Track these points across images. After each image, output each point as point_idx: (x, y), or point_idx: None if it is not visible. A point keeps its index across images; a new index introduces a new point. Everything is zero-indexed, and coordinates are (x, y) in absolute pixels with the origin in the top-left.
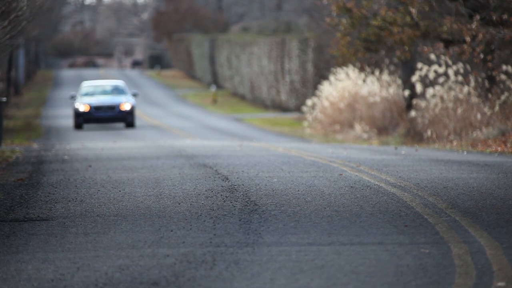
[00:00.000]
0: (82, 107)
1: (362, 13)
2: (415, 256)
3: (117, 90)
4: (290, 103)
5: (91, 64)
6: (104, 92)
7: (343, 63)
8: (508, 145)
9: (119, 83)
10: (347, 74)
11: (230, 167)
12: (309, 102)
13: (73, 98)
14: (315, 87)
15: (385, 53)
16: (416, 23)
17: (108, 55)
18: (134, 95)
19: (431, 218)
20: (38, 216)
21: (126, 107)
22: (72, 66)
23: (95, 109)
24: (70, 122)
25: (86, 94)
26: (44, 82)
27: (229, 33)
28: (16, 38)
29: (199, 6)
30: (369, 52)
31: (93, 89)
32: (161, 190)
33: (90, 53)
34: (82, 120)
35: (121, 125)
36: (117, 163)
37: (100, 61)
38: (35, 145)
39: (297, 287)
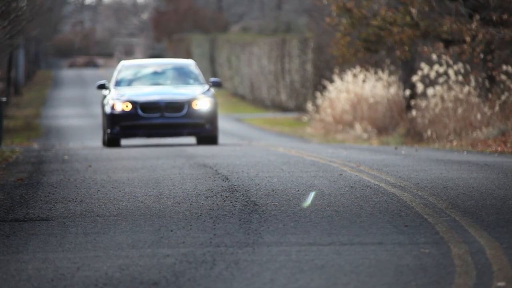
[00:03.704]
0: (119, 105)
1: (362, 13)
2: (415, 256)
3: (183, 75)
4: (290, 103)
5: (91, 64)
6: (160, 79)
7: (343, 63)
8: (508, 145)
9: (188, 63)
10: (354, 75)
11: (230, 167)
12: (312, 102)
13: (102, 88)
14: (315, 87)
15: (385, 53)
16: (416, 23)
17: (108, 55)
18: (215, 84)
19: (431, 218)
20: (38, 216)
21: (201, 105)
22: (72, 66)
23: (144, 109)
24: (70, 122)
25: (127, 82)
26: (44, 82)
27: (229, 33)
28: (16, 38)
29: (199, 6)
30: (369, 52)
31: (139, 73)
32: (161, 190)
33: (90, 53)
34: (118, 130)
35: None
36: (117, 163)
37: (100, 61)
38: (35, 145)
39: (297, 287)
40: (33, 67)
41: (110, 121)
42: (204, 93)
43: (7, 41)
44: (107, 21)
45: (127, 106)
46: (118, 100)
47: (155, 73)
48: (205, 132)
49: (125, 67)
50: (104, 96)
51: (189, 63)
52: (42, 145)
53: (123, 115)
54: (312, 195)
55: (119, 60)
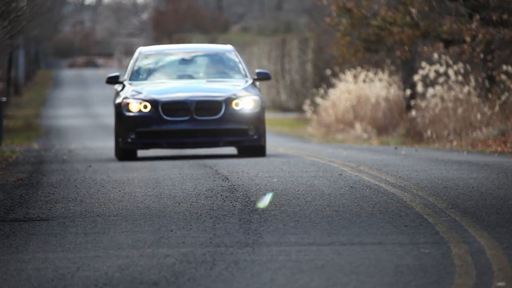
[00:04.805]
0: (135, 105)
1: (362, 13)
2: (415, 256)
3: (219, 65)
4: (290, 103)
5: (91, 64)
6: (189, 70)
7: (343, 63)
8: (508, 145)
9: (225, 48)
10: (355, 76)
11: (230, 167)
12: (312, 102)
13: (114, 83)
14: (315, 87)
15: (385, 53)
16: (416, 23)
17: (108, 55)
18: (262, 77)
19: (431, 218)
20: (38, 216)
21: (244, 105)
22: (72, 66)
23: (167, 110)
24: (71, 122)
25: (146, 75)
26: (44, 82)
27: (229, 33)
28: (16, 38)
29: (199, 6)
30: (369, 52)
31: (162, 62)
32: (161, 190)
33: (90, 53)
34: (134, 138)
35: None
36: (117, 163)
37: (100, 61)
38: (35, 145)
39: (297, 287)
40: (33, 67)
41: (123, 127)
42: (246, 88)
43: (7, 41)
44: (107, 21)
45: (145, 107)
46: (133, 98)
47: (183, 63)
48: (249, 140)
49: (144, 55)
50: (117, 93)
51: (227, 49)
52: (42, 145)
53: (140, 118)
54: (269, 196)
55: (118, 60)
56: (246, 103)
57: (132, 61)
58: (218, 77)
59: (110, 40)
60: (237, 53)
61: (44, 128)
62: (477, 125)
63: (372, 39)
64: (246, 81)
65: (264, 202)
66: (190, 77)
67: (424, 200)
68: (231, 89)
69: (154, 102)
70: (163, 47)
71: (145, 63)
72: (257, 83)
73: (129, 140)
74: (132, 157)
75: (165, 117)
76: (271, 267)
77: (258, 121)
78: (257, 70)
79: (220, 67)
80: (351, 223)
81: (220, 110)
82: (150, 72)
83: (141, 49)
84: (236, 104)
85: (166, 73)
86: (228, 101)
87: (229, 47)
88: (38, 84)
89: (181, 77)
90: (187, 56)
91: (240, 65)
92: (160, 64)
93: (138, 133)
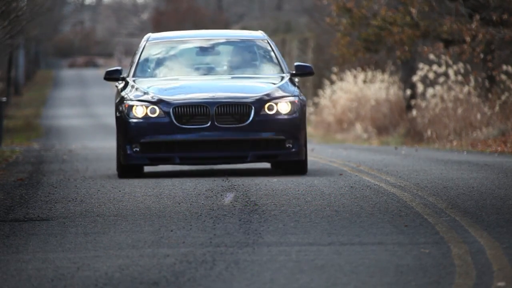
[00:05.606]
0: (140, 109)
1: (362, 13)
2: (415, 256)
3: (247, 56)
4: None
5: (91, 64)
6: (208, 63)
7: (343, 63)
8: (508, 145)
9: (255, 35)
10: (355, 77)
11: (230, 167)
12: (312, 102)
13: (115, 79)
14: (315, 87)
15: (385, 53)
16: (416, 23)
17: (108, 55)
18: (302, 71)
19: (431, 218)
20: (38, 216)
21: (279, 108)
22: (72, 66)
23: (181, 115)
24: (71, 122)
25: (154, 69)
26: (44, 82)
27: None
28: (16, 38)
29: (199, 6)
30: (369, 52)
31: (174, 53)
32: (161, 190)
33: (90, 53)
34: (139, 151)
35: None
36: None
37: (100, 61)
38: (35, 145)
39: (297, 287)
40: (33, 67)
41: (125, 136)
42: (283, 86)
43: (7, 41)
44: (107, 21)
45: (153, 111)
46: (138, 99)
47: (201, 53)
48: (286, 154)
49: (152, 43)
50: (118, 92)
51: (258, 36)
52: (42, 145)
53: (147, 125)
54: (231, 194)
55: (119, 60)
56: (282, 106)
57: (137, 52)
58: (246, 72)
59: (110, 40)
60: (270, 41)
61: (44, 128)
62: (477, 125)
63: (372, 39)
64: (282, 78)
65: (227, 199)
66: (211, 71)
67: (424, 200)
68: (263, 87)
69: (164, 105)
70: (177, 33)
71: (153, 54)
72: (296, 79)
73: (132, 153)
74: (137, 174)
75: (178, 124)
76: (271, 267)
77: (297, 129)
78: (296, 63)
79: (248, 58)
80: (351, 223)
81: (249, 115)
82: (159, 65)
83: (149, 36)
84: (270, 108)
85: (179, 67)
86: (259, 103)
87: (260, 33)
88: (38, 84)
89: (198, 72)
90: (206, 45)
91: (274, 57)
92: (172, 54)
93: (144, 145)
